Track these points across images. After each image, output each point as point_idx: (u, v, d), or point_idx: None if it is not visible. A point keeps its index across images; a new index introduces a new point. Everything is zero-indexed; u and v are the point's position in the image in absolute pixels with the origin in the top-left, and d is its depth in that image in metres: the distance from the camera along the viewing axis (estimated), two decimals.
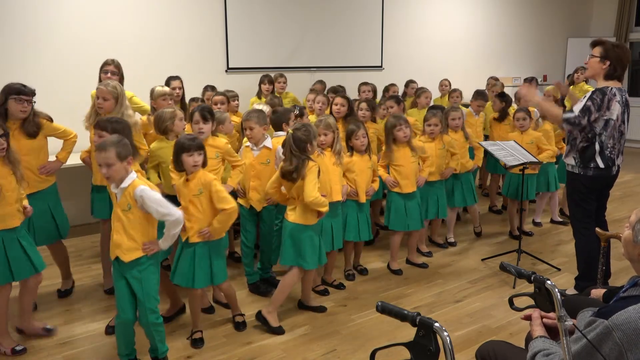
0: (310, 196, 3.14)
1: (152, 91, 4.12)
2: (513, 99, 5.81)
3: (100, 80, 3.92)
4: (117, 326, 2.83)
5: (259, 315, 3.35)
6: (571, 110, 3.45)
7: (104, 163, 2.57)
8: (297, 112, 4.26)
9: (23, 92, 3.25)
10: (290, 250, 3.30)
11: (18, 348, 3.07)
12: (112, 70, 3.98)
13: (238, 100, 4.99)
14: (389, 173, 4.16)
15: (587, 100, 3.36)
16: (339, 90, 5.54)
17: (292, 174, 3.17)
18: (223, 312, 3.52)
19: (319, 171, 3.24)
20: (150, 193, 2.63)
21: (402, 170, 4.07)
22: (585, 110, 3.35)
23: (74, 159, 4.57)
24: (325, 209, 3.28)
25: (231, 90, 5.01)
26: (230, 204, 2.98)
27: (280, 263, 3.42)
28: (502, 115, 5.47)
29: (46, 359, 3.03)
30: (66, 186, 4.44)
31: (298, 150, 3.17)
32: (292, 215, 3.30)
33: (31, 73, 4.71)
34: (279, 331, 3.29)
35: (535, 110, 5.18)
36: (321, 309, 3.58)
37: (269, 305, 3.38)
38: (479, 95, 5.52)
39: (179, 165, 2.97)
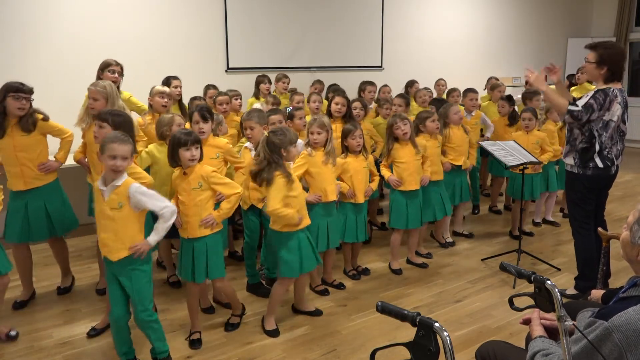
0: (270, 207, 3.07)
1: (151, 90, 4.12)
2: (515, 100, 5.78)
3: (98, 78, 3.96)
4: (111, 324, 2.83)
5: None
6: (576, 104, 3.43)
7: (121, 155, 2.57)
8: (286, 113, 4.26)
9: (21, 90, 3.31)
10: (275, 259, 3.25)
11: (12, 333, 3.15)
12: (118, 71, 4.10)
13: (241, 99, 5.00)
14: (391, 173, 4.14)
15: (591, 98, 3.35)
16: (338, 90, 5.55)
17: (257, 177, 3.11)
18: (223, 312, 3.51)
19: (289, 181, 3.11)
20: (145, 189, 2.67)
21: (406, 167, 4.06)
22: (588, 107, 3.34)
23: (71, 160, 4.57)
24: (293, 222, 3.14)
25: (234, 90, 5.02)
26: (238, 188, 3.05)
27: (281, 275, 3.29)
28: (513, 119, 5.44)
29: (46, 359, 3.04)
30: (64, 186, 4.44)
31: (270, 154, 3.08)
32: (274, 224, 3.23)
33: (31, 72, 4.71)
34: (273, 334, 3.27)
35: (541, 106, 5.19)
36: (317, 313, 3.55)
37: (266, 314, 3.35)
38: (468, 91, 5.49)
39: (175, 161, 2.96)
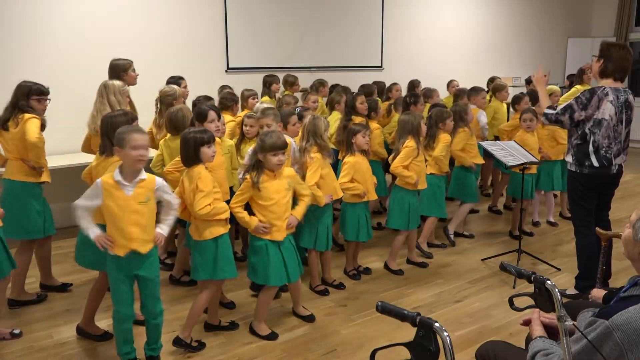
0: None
1: (174, 92, 4.12)
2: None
3: (120, 79, 3.98)
4: (116, 324, 2.80)
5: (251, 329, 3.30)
6: (554, 107, 3.54)
7: (145, 145, 2.60)
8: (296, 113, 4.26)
9: (44, 93, 3.47)
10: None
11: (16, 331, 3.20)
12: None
13: (258, 98, 5.01)
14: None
15: (573, 99, 3.42)
16: (348, 90, 5.71)
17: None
18: (222, 312, 3.51)
19: (254, 188, 3.03)
20: (166, 184, 2.78)
21: (423, 167, 4.11)
22: (566, 108, 3.42)
23: (71, 160, 4.57)
24: (247, 228, 3.08)
25: (250, 89, 5.01)
26: None
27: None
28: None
29: (46, 359, 3.03)
30: (63, 187, 4.44)
31: (253, 155, 3.11)
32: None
33: (31, 73, 4.67)
34: (272, 337, 3.24)
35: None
36: (310, 318, 3.46)
37: (253, 319, 3.30)
38: (479, 89, 5.41)
39: (195, 160, 2.91)
